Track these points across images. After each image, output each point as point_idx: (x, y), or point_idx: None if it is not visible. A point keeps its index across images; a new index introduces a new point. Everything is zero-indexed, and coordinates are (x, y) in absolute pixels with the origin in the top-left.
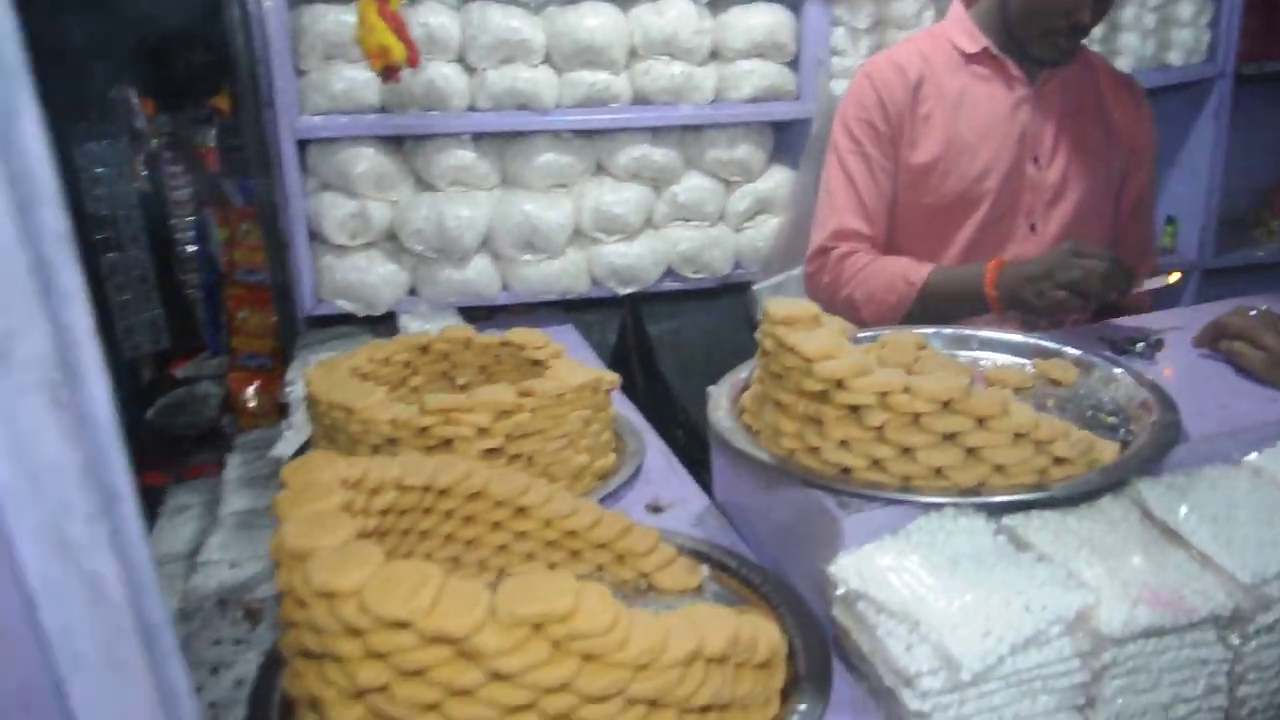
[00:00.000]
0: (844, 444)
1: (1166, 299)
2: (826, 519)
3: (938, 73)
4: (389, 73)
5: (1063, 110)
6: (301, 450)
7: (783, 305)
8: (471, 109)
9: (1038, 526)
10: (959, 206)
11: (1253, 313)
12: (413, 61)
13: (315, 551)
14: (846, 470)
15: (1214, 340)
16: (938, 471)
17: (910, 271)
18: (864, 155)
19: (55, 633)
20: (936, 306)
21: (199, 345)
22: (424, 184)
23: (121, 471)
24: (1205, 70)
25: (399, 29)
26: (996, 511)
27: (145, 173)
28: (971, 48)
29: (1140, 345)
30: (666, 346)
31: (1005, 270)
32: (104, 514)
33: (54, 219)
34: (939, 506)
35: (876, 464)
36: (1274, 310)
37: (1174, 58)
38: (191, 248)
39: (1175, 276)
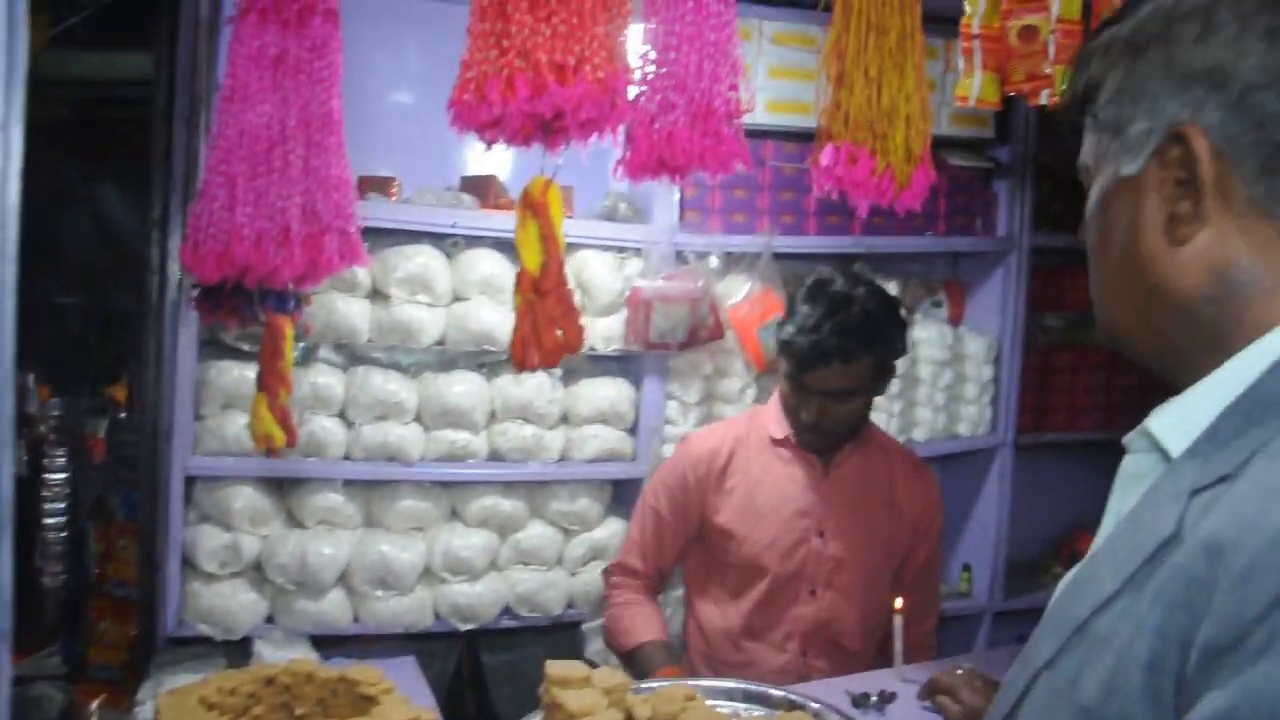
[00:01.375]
0: None
1: (961, 640)
2: None
3: (747, 452)
4: (270, 452)
5: (851, 492)
6: None
7: (559, 667)
8: (346, 458)
9: None
10: (751, 569)
11: (959, 671)
12: (290, 443)
13: None
14: None
15: (930, 694)
16: None
17: (631, 635)
18: (658, 513)
19: None
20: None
21: (39, 642)
22: (294, 521)
23: None
24: (989, 440)
25: (284, 419)
26: None
27: (25, 458)
28: (778, 434)
29: (874, 699)
30: (501, 677)
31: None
32: None
33: None
34: None
35: None
36: (977, 670)
37: (963, 429)
38: (58, 546)
39: (899, 603)
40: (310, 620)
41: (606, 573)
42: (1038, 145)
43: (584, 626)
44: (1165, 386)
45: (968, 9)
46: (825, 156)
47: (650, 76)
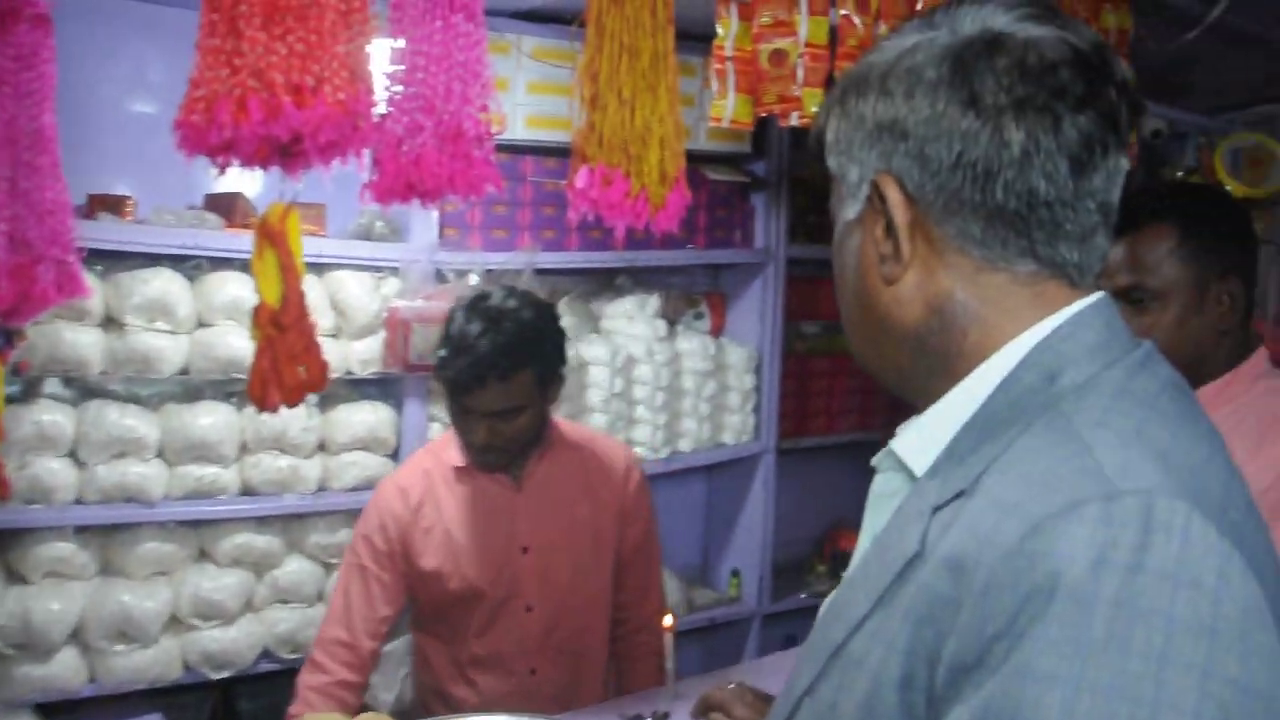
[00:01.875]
0: None
1: (733, 644)
2: None
3: (436, 488)
4: None
5: (547, 500)
6: None
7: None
8: (78, 501)
9: None
10: (465, 601)
11: (731, 686)
12: (4, 496)
13: None
14: None
15: (704, 712)
16: None
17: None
18: (364, 570)
19: None
20: None
21: None
22: (15, 576)
23: None
24: (753, 447)
25: None
26: None
27: None
28: (459, 461)
29: (647, 718)
30: None
31: None
32: None
33: None
34: None
35: None
36: (746, 684)
37: (727, 438)
38: None
39: (669, 621)
40: (36, 686)
41: (314, 645)
42: (791, 160)
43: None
44: None
45: (720, 32)
46: (580, 179)
47: (397, 97)
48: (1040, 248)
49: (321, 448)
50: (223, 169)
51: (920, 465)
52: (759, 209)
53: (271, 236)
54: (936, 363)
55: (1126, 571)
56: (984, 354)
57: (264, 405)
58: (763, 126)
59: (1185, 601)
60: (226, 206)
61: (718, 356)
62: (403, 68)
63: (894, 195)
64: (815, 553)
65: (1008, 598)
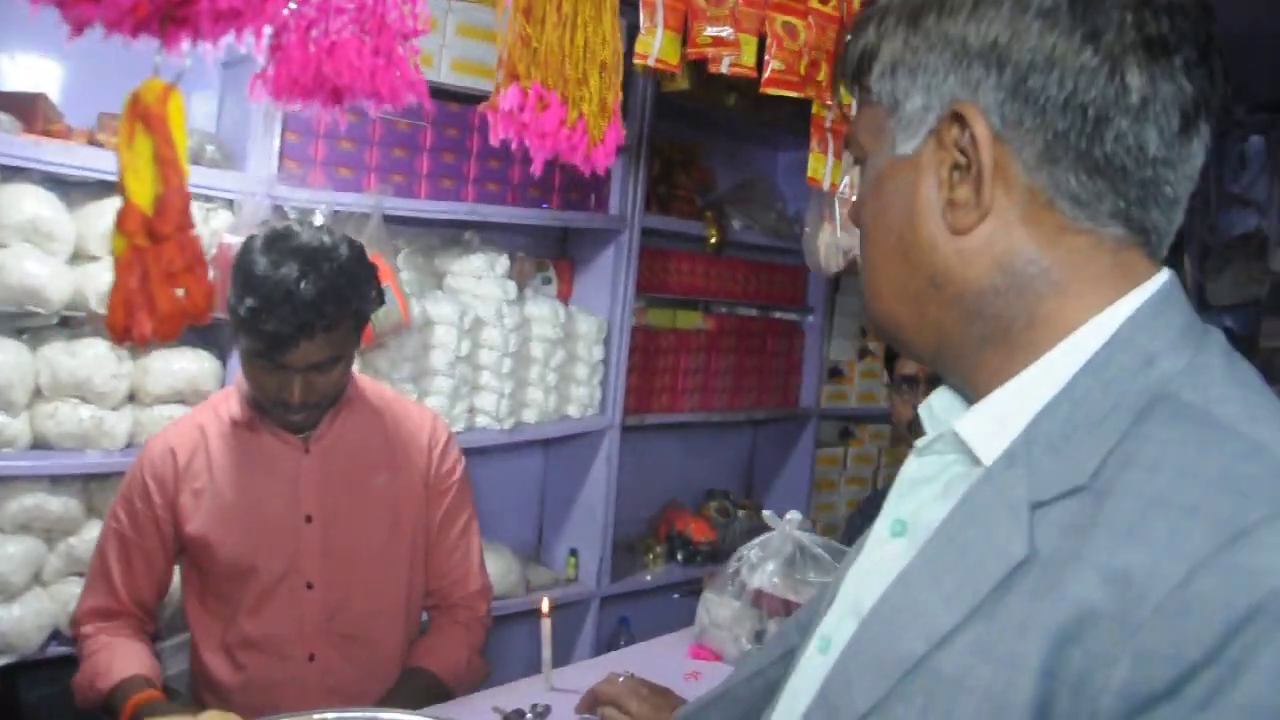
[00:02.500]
0: None
1: (571, 626)
2: None
3: (211, 446)
4: None
5: (340, 464)
6: None
7: None
8: None
9: None
10: (238, 573)
11: (621, 679)
12: None
13: None
14: None
15: (591, 706)
16: None
17: (107, 675)
18: (121, 536)
19: None
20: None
21: None
22: None
23: None
24: (598, 423)
25: None
26: None
27: None
28: (242, 418)
29: (528, 714)
30: (48, 716)
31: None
32: None
33: None
34: None
35: None
36: (637, 677)
37: (573, 411)
38: None
39: (546, 605)
40: None
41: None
42: (653, 125)
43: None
44: (765, 368)
45: None
46: (508, 99)
47: None
48: (1134, 209)
49: (132, 398)
50: (80, 28)
51: (991, 452)
52: (615, 173)
53: (147, 120)
54: (994, 330)
55: None
56: (1063, 327)
57: (127, 335)
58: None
59: None
60: (24, 107)
61: (567, 325)
62: None
63: (981, 130)
64: (651, 534)
65: (1215, 619)
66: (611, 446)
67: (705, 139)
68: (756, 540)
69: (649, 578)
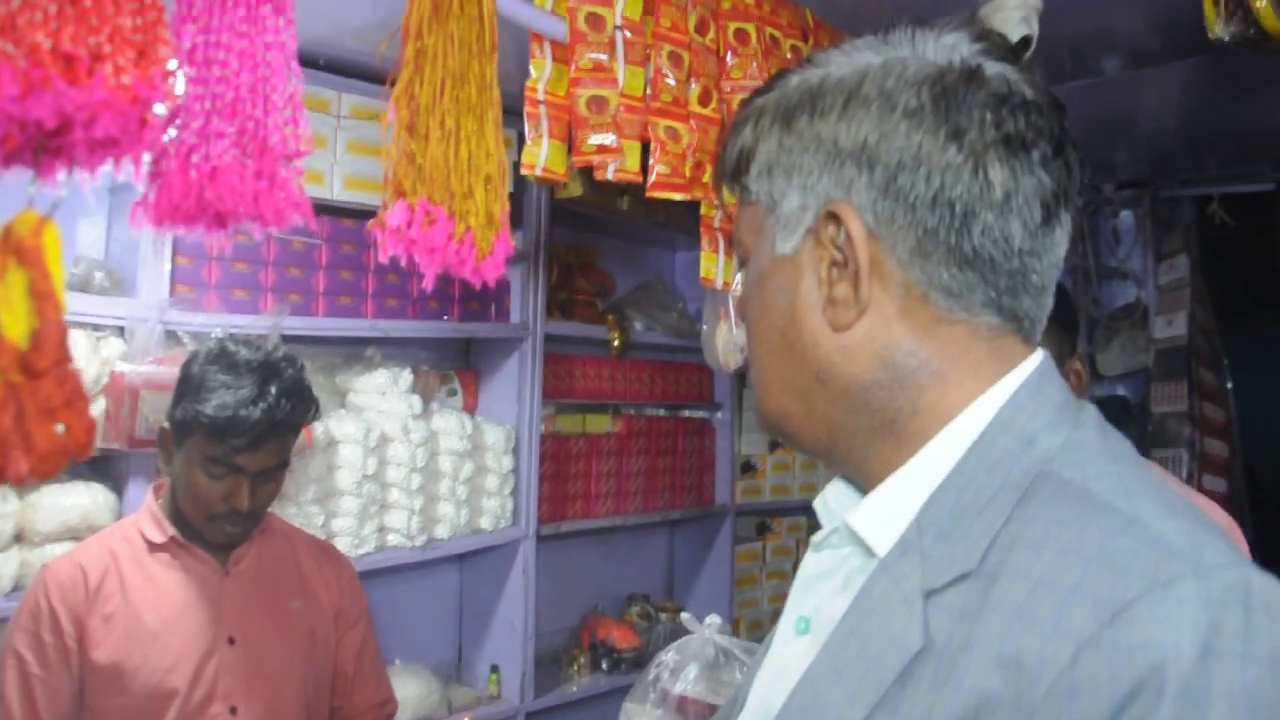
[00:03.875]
0: None
1: None
2: None
3: (124, 567)
4: None
5: (258, 587)
6: None
7: None
8: None
9: None
10: (155, 701)
11: None
12: None
13: None
14: None
15: None
16: None
17: None
18: (23, 668)
19: None
20: None
21: None
22: None
23: None
24: (512, 534)
25: None
26: None
27: None
28: (158, 537)
29: None
30: None
31: None
32: None
33: None
34: None
35: None
36: None
37: (485, 523)
38: None
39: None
40: None
41: None
42: (549, 231)
43: None
44: (677, 468)
45: (534, 73)
46: (396, 215)
47: (191, 95)
48: (1005, 298)
49: (18, 539)
50: None
51: (884, 543)
52: (515, 281)
53: (21, 253)
54: (881, 422)
55: (1239, 660)
56: (945, 414)
57: (3, 476)
58: (518, 196)
59: None
60: None
61: (475, 436)
62: (196, 62)
63: (857, 229)
64: (574, 644)
65: (1101, 697)
66: (527, 557)
67: (602, 242)
68: (673, 645)
69: (574, 689)
